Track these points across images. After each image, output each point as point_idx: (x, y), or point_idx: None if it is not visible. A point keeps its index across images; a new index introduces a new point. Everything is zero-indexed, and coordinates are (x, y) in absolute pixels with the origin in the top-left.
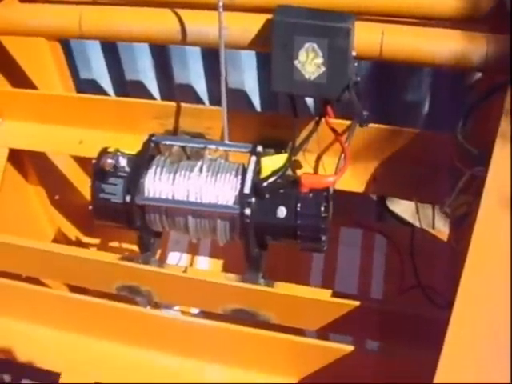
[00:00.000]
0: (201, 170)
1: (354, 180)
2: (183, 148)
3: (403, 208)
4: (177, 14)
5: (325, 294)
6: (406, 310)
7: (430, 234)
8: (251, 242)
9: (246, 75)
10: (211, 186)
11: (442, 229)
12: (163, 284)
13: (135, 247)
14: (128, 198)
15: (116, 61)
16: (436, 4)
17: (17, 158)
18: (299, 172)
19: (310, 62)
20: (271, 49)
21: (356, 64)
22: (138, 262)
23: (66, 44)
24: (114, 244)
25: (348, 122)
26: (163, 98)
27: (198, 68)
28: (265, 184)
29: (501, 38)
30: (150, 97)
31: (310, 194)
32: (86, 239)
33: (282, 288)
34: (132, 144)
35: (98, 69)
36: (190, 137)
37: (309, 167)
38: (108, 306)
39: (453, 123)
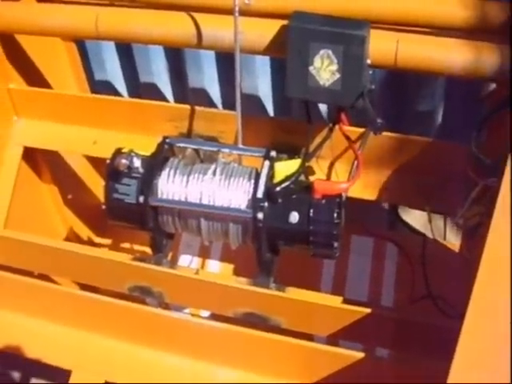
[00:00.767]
0: (214, 173)
1: (366, 188)
2: (197, 151)
3: (415, 217)
4: (193, 18)
5: (336, 301)
6: (417, 319)
7: (442, 244)
8: (263, 247)
9: (259, 80)
10: (224, 189)
11: (453, 241)
12: (175, 285)
13: (147, 249)
14: (141, 199)
15: (130, 63)
16: (450, 14)
17: (31, 156)
18: (312, 178)
19: (325, 69)
20: (286, 54)
21: (371, 72)
22: (150, 262)
23: (81, 45)
24: (126, 245)
25: (362, 130)
26: (177, 101)
27: (212, 72)
28: (278, 189)
29: None
30: (164, 100)
31: (323, 200)
32: (97, 239)
33: (294, 293)
34: (146, 145)
35: (112, 70)
36: (204, 140)
37: (322, 173)
38: (119, 306)
39: (466, 133)
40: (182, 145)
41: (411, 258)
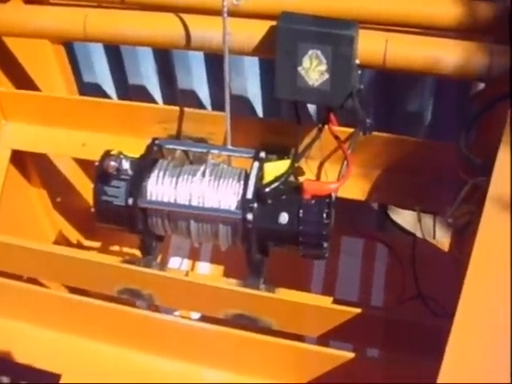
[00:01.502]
0: (203, 174)
1: (355, 188)
2: (186, 152)
3: (405, 217)
4: (181, 19)
5: (326, 301)
6: (407, 319)
7: (432, 243)
8: (253, 248)
9: (248, 81)
10: (214, 190)
11: (442, 239)
12: (165, 288)
13: (136, 251)
14: (130, 201)
15: (119, 65)
16: (439, 14)
17: (19, 159)
18: (301, 178)
19: (314, 69)
20: (275, 55)
21: (359, 72)
22: (139, 265)
23: (69, 47)
24: (115, 248)
25: (351, 130)
26: (166, 103)
27: (201, 74)
28: (267, 190)
29: (505, 48)
30: (153, 101)
31: (313, 201)
32: (87, 242)
33: (284, 294)
34: (135, 148)
35: (101, 72)
36: (193, 141)
37: (311, 174)
38: (109, 308)
39: (455, 133)
40: (171, 146)
41: (401, 258)
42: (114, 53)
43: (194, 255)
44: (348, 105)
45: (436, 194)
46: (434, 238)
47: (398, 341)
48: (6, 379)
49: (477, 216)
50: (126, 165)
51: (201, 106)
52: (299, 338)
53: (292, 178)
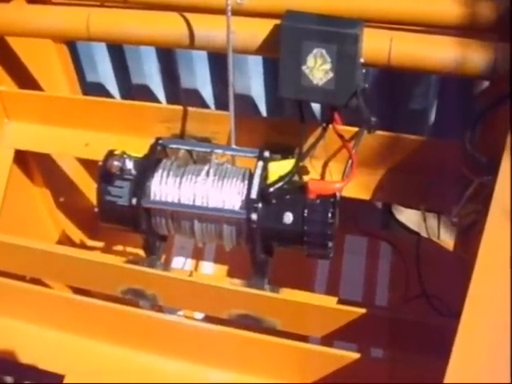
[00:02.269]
0: (207, 174)
1: (360, 187)
2: (190, 152)
3: (409, 216)
4: (184, 18)
5: (331, 301)
6: (412, 318)
7: (436, 242)
8: (257, 248)
9: (252, 80)
10: (218, 190)
11: (447, 238)
12: (168, 288)
13: (140, 251)
14: (134, 201)
15: (122, 64)
16: (443, 12)
17: (22, 159)
18: (306, 178)
19: (318, 68)
20: (279, 54)
21: (364, 71)
22: (143, 265)
23: (72, 46)
24: (119, 247)
25: (355, 129)
26: (169, 102)
27: (205, 73)
28: (271, 189)
29: (509, 46)
30: (156, 101)
31: (317, 200)
32: (90, 242)
33: (288, 294)
34: (138, 147)
35: (104, 72)
36: (197, 141)
37: (315, 173)
38: (112, 309)
39: (459, 131)
40: (174, 146)
41: (405, 257)
42: (118, 52)
43: (198, 255)
44: (352, 104)
45: (440, 193)
46: (439, 236)
47: (403, 340)
48: (9, 379)
49: (482, 215)
50: (129, 164)
51: (204, 105)
52: (303, 338)
53: (296, 178)
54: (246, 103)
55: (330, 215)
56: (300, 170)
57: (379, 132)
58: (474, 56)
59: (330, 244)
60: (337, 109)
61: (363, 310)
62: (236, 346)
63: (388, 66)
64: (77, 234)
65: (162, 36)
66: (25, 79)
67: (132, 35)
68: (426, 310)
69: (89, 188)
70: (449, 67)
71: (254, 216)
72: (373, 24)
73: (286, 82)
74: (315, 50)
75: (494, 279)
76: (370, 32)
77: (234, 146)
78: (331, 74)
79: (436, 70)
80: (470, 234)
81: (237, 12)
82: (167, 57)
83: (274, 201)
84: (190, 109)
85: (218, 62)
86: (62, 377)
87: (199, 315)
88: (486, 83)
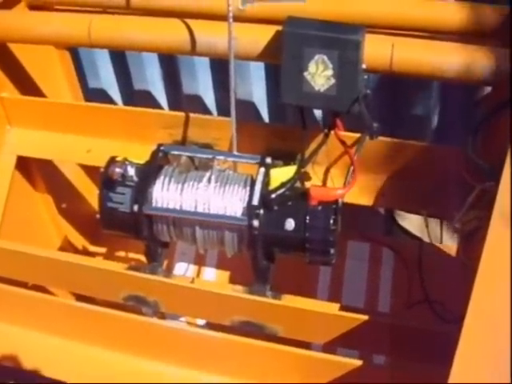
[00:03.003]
0: (209, 180)
1: (362, 193)
2: (192, 158)
3: (411, 222)
4: (186, 24)
5: (333, 308)
6: (414, 324)
7: (438, 248)
8: (259, 254)
9: (254, 86)
10: (219, 196)
11: (449, 244)
12: (170, 294)
13: (142, 257)
14: (136, 208)
15: (124, 70)
16: (446, 18)
17: (25, 165)
18: (308, 184)
19: (320, 74)
20: (281, 60)
21: (366, 77)
22: (145, 271)
23: (74, 53)
24: (121, 253)
25: (357, 135)
26: (171, 108)
27: (207, 79)
28: (273, 196)
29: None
30: (158, 107)
31: (319, 207)
32: (92, 248)
33: (290, 301)
34: (140, 153)
35: (106, 78)
36: (199, 147)
37: (317, 179)
38: (115, 316)
39: (461, 137)
40: (176, 152)
41: (408, 263)
42: (120, 58)
43: (200, 261)
44: (354, 110)
45: (443, 199)
46: (441, 241)
47: (405, 347)
48: None
49: (485, 221)
50: (131, 171)
51: (206, 111)
52: (305, 345)
53: (298, 184)
54: (248, 109)
55: (331, 222)
56: (302, 176)
57: (381, 138)
58: (477, 62)
59: (332, 251)
60: (339, 115)
61: (365, 317)
62: (238, 353)
63: (390, 71)
64: (79, 240)
65: (163, 42)
66: (27, 85)
67: (134, 42)
68: (429, 316)
69: (91, 194)
70: (451, 73)
71: (255, 222)
72: (374, 30)
73: (287, 88)
74: (317, 56)
75: (496, 284)
76: (372, 38)
77: (235, 153)
78: (333, 80)
79: (438, 75)
80: (472, 240)
81: (238, 18)
82: (169, 63)
83: (275, 207)
84: (191, 115)
85: (220, 68)
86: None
87: (201, 321)
88: (489, 89)
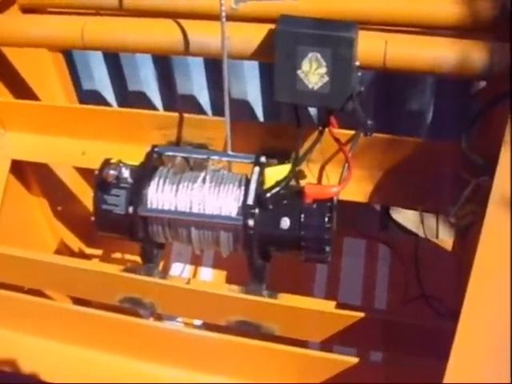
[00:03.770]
0: (204, 180)
1: (357, 190)
2: (186, 159)
3: (407, 218)
4: (179, 25)
5: (329, 306)
6: (410, 320)
7: (434, 243)
8: (255, 254)
9: (248, 85)
10: (214, 197)
11: (445, 239)
12: (166, 296)
13: (138, 258)
14: (131, 210)
15: (118, 71)
16: (439, 13)
17: (19, 169)
18: (303, 182)
19: (314, 72)
20: (274, 59)
21: (359, 74)
22: (140, 273)
23: (68, 55)
24: (117, 255)
25: (352, 132)
26: (166, 108)
27: (201, 78)
28: (268, 195)
29: (506, 46)
30: (153, 107)
31: (314, 205)
32: (88, 250)
33: (286, 299)
34: (135, 155)
35: (100, 80)
36: (193, 147)
37: (312, 177)
38: (111, 319)
39: (456, 132)
40: (171, 153)
41: (404, 259)
42: (113, 59)
43: (196, 261)
44: (348, 107)
45: (438, 194)
46: (437, 236)
47: (402, 343)
48: None
49: (480, 216)
50: (125, 173)
51: (201, 111)
52: (302, 343)
53: (293, 183)
54: (242, 108)
55: (326, 220)
56: (297, 174)
57: (376, 135)
58: (471, 56)
59: (328, 248)
60: (333, 112)
61: (362, 314)
62: (235, 353)
63: (384, 68)
64: (74, 243)
65: (157, 43)
66: (21, 89)
67: (127, 43)
68: (425, 311)
69: (86, 196)
70: (445, 68)
71: (250, 222)
72: (367, 26)
73: (281, 87)
74: (310, 54)
75: (492, 278)
76: (365, 34)
77: (230, 152)
78: (327, 78)
79: (432, 70)
80: (467, 235)
81: (231, 17)
82: (163, 63)
83: (270, 206)
84: (185, 115)
85: (214, 67)
86: None
87: (198, 322)
88: (483, 83)
